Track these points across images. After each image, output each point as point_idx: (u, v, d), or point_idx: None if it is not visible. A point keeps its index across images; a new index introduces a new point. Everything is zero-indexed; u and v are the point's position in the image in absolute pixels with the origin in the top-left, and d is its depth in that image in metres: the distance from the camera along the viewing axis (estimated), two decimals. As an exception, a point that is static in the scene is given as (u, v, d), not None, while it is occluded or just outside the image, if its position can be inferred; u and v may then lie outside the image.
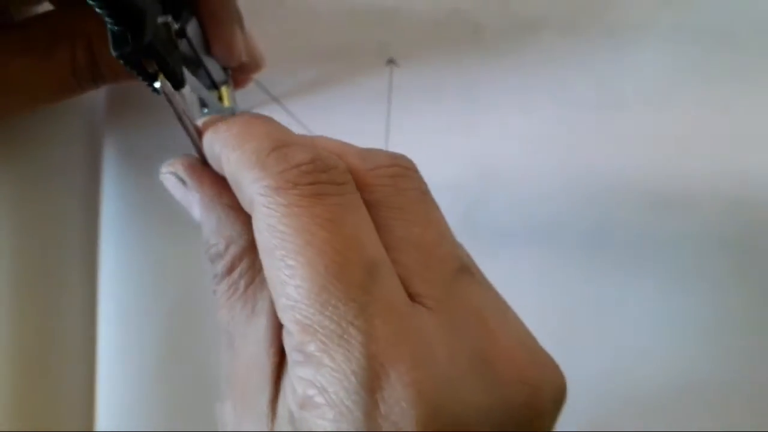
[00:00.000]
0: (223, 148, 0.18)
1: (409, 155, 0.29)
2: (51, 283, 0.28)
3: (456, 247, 0.19)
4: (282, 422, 0.17)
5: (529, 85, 0.29)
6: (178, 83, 0.19)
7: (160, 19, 0.17)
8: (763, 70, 0.29)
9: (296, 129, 0.29)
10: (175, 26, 0.18)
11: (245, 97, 0.28)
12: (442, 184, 0.29)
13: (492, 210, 0.29)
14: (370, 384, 0.15)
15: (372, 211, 0.18)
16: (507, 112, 0.29)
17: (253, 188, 0.17)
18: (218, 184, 0.20)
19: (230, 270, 0.19)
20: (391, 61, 0.28)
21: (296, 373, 0.16)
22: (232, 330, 0.19)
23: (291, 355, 0.16)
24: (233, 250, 0.19)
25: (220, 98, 0.26)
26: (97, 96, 0.28)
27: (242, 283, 0.19)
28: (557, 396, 0.18)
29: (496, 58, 0.28)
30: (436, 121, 0.29)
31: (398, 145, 0.29)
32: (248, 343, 0.19)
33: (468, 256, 0.19)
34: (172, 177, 0.21)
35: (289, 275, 0.16)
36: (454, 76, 0.28)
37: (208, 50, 0.23)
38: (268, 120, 0.20)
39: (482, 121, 0.29)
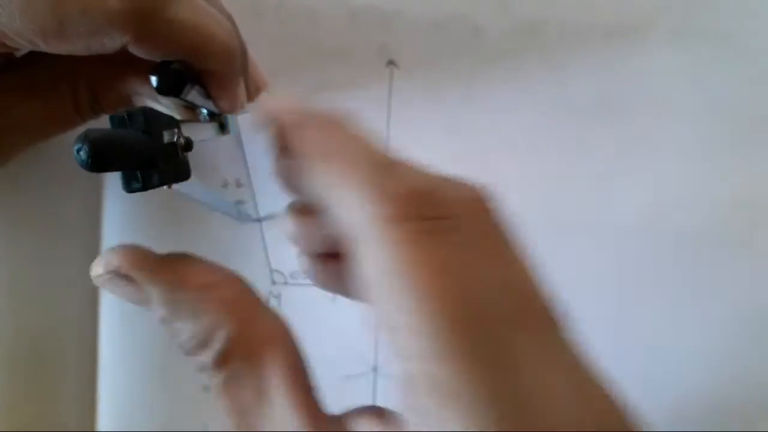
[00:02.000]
0: (309, 152, 0.16)
1: (409, 156, 0.30)
2: (53, 283, 0.28)
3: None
4: None
5: (529, 87, 0.29)
6: (184, 178, 0.19)
7: (167, 137, 0.17)
8: (763, 73, 0.29)
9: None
10: (181, 141, 0.18)
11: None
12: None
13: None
14: None
15: None
16: (506, 113, 0.29)
17: (362, 213, 0.15)
18: (174, 265, 0.17)
19: (224, 359, 0.17)
20: (391, 63, 0.28)
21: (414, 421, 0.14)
22: (245, 413, 0.17)
23: (406, 411, 0.15)
24: (222, 335, 0.17)
25: (222, 126, 0.25)
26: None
27: (244, 370, 0.17)
28: None
29: (496, 60, 0.28)
30: (436, 122, 0.29)
31: (398, 146, 0.29)
32: (274, 423, 0.17)
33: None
34: (112, 277, 0.18)
35: (404, 323, 0.14)
36: (453, 78, 0.28)
37: (207, 96, 0.22)
38: (361, 130, 0.17)
39: (482, 123, 0.29)
